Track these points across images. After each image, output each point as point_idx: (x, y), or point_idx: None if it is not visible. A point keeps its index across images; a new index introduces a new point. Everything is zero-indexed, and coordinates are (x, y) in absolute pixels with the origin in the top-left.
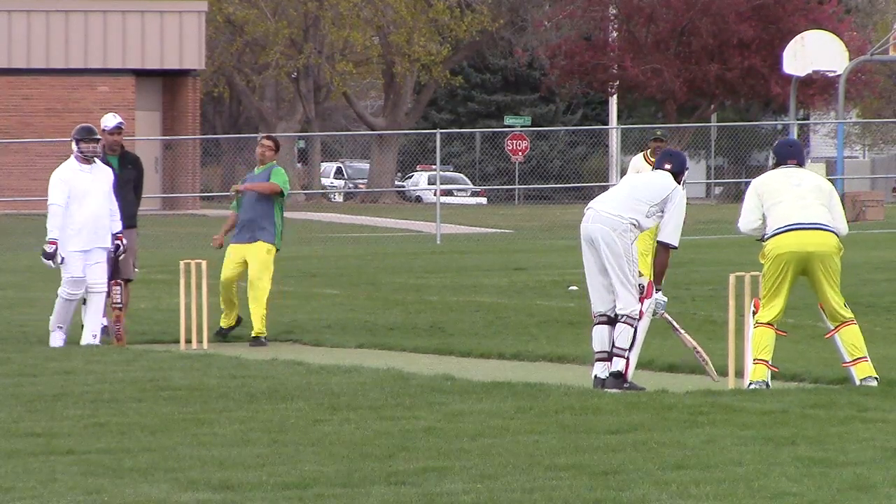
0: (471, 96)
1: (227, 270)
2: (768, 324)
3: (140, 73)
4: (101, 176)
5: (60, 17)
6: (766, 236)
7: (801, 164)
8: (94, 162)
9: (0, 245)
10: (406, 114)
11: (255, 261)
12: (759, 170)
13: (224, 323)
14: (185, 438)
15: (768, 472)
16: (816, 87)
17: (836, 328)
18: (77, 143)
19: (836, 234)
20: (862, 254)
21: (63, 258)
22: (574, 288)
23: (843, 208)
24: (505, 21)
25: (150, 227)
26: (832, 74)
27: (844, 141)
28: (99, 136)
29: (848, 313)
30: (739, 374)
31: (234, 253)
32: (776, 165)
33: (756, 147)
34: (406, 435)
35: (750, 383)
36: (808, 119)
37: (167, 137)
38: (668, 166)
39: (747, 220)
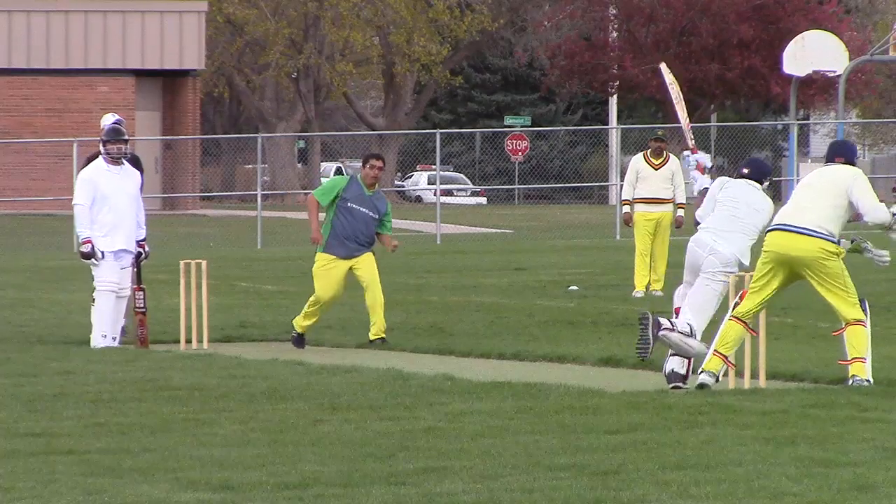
0: (471, 96)
1: (333, 289)
2: (739, 318)
3: (140, 73)
4: (129, 178)
5: (60, 17)
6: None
7: (849, 161)
8: (122, 164)
9: (0, 245)
10: (406, 114)
11: (372, 269)
12: None
13: (304, 328)
14: (185, 438)
15: (768, 472)
16: (816, 87)
17: (843, 327)
18: (104, 145)
19: (826, 239)
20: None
21: (103, 253)
22: (574, 288)
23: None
24: (505, 21)
25: (150, 227)
26: (832, 74)
27: None
28: (127, 137)
29: (856, 314)
30: (739, 374)
31: (340, 266)
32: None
33: (756, 147)
34: (406, 435)
35: (701, 371)
36: (808, 119)
37: (167, 137)
38: (840, 160)
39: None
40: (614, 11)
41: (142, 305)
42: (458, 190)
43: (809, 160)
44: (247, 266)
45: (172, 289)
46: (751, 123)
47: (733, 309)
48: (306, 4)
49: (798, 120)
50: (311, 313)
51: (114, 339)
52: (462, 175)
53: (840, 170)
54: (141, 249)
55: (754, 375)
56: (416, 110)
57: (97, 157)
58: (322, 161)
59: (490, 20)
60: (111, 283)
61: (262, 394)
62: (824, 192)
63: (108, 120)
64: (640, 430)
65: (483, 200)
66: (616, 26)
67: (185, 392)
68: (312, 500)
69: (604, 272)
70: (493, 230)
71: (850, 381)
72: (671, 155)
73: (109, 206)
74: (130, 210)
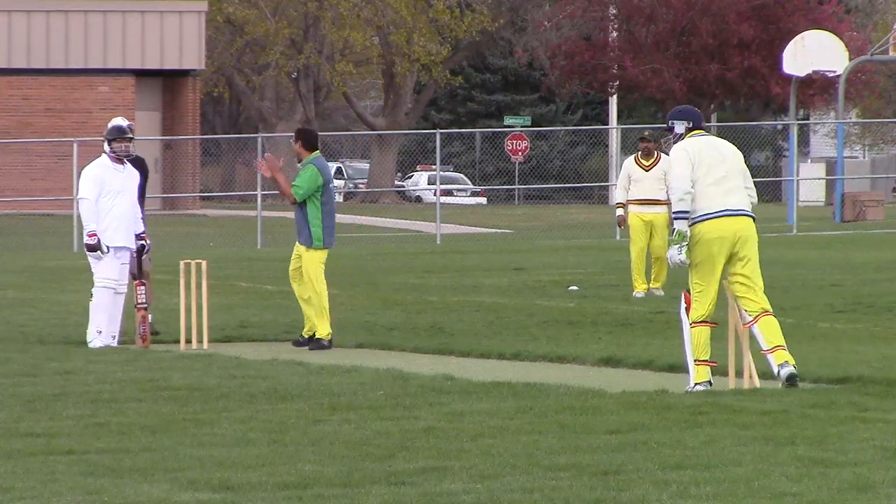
0: (471, 96)
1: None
2: (704, 321)
3: (140, 73)
4: (131, 176)
5: (60, 17)
6: (693, 220)
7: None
8: (124, 163)
9: (0, 245)
10: (406, 114)
11: (305, 263)
12: (759, 170)
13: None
14: (185, 438)
15: (768, 472)
16: (816, 87)
17: (754, 319)
18: (109, 143)
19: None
20: (862, 254)
21: (109, 248)
22: (574, 288)
23: (843, 207)
24: (505, 21)
25: (150, 227)
26: (832, 74)
27: (844, 141)
28: (131, 136)
29: (768, 304)
30: (739, 374)
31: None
32: (690, 131)
33: (756, 147)
34: (406, 435)
35: (695, 385)
36: (808, 119)
37: (167, 137)
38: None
39: (685, 184)
40: (614, 11)
41: (143, 300)
42: (458, 190)
43: (809, 160)
44: (247, 266)
45: (172, 289)
46: (751, 123)
47: (688, 314)
48: (306, 4)
49: (798, 120)
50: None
51: (113, 337)
52: (462, 175)
53: (732, 148)
54: (143, 242)
55: (739, 374)
56: (416, 110)
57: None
58: None
59: (490, 20)
60: (110, 280)
61: (262, 394)
62: (737, 170)
63: (118, 123)
64: (640, 430)
65: (483, 200)
66: (616, 26)
67: (185, 392)
68: (312, 500)
69: (604, 272)
70: (493, 230)
71: (778, 371)
72: (663, 154)
73: (115, 203)
74: (132, 208)
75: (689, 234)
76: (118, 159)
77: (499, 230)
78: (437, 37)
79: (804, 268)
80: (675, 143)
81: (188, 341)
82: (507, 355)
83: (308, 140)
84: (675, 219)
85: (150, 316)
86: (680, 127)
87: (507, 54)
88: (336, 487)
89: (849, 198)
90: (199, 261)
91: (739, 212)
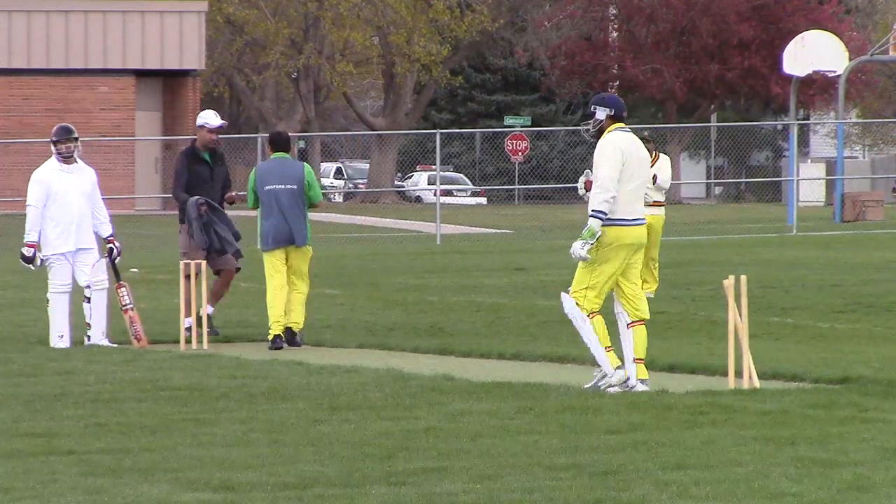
0: (471, 96)
1: None
2: (598, 312)
3: (140, 73)
4: (84, 177)
5: (60, 17)
6: (609, 222)
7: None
8: (76, 162)
9: (0, 245)
10: (406, 114)
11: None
12: (759, 170)
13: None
14: (185, 438)
15: (768, 472)
16: (816, 87)
17: (631, 323)
18: (54, 145)
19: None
20: (862, 254)
21: (42, 260)
22: None
23: (843, 207)
24: (505, 21)
25: (150, 227)
26: (832, 74)
27: (844, 141)
28: (77, 136)
29: (647, 311)
30: (739, 374)
31: None
32: (612, 119)
33: (756, 147)
34: (406, 435)
35: (615, 370)
36: (808, 119)
37: (167, 137)
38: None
39: (615, 187)
40: (614, 11)
41: (127, 302)
42: (458, 190)
43: (809, 160)
44: (247, 266)
45: (172, 289)
46: (751, 123)
47: (581, 309)
48: (306, 4)
49: (798, 120)
50: None
51: (103, 333)
52: (462, 175)
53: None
54: (112, 245)
55: (738, 375)
56: (416, 110)
57: (191, 151)
58: (322, 161)
59: (490, 20)
60: (62, 286)
61: (262, 394)
62: (647, 172)
63: (211, 119)
64: (640, 430)
65: (483, 200)
66: (616, 26)
67: (185, 392)
68: (312, 500)
69: None
70: (493, 230)
71: (635, 385)
72: (661, 154)
73: (63, 205)
74: (86, 208)
75: (599, 233)
76: (65, 160)
77: (499, 230)
78: (437, 37)
79: (804, 268)
80: (594, 128)
81: (188, 341)
82: (507, 355)
83: (272, 142)
84: (592, 217)
85: (207, 312)
86: (601, 113)
87: (507, 54)
88: (336, 487)
89: (849, 198)
90: (199, 261)
91: (644, 221)
